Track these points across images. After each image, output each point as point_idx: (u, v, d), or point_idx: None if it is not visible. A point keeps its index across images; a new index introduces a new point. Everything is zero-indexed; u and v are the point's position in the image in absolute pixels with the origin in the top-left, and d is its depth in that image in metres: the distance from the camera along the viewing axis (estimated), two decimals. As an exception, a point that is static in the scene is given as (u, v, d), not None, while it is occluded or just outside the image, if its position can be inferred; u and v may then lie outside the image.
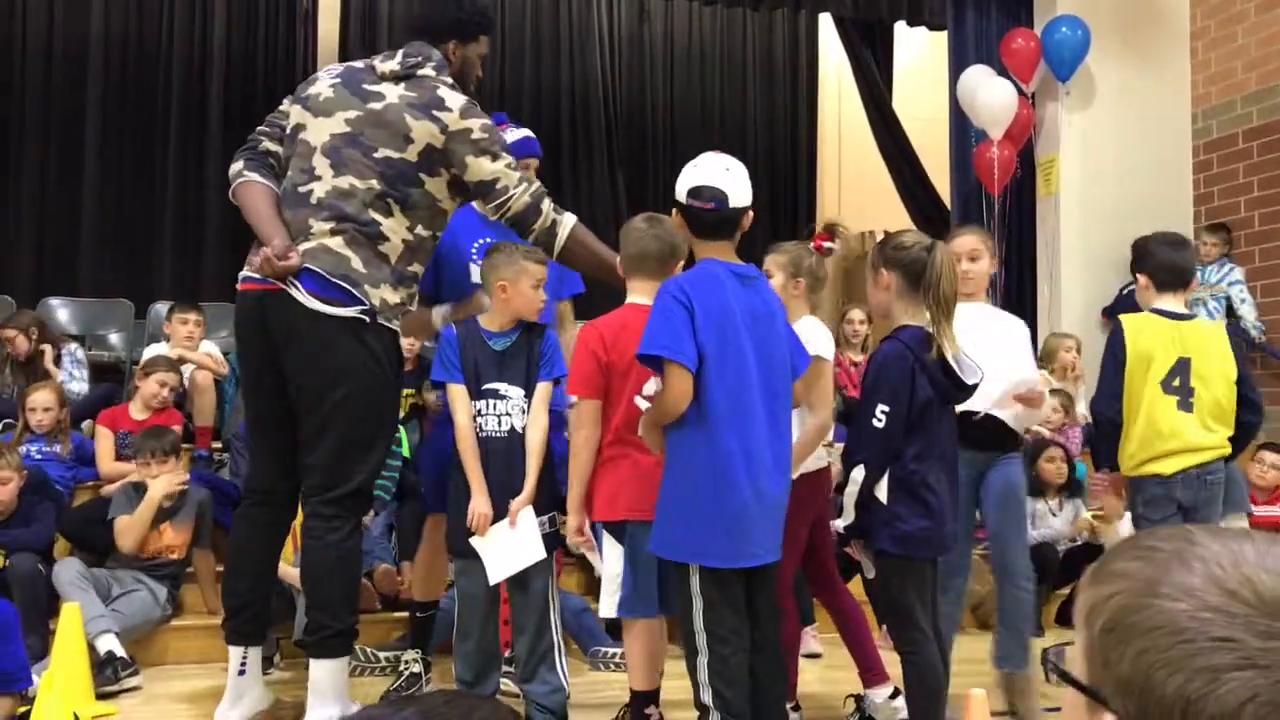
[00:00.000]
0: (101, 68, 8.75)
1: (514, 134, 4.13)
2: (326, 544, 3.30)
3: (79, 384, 6.00)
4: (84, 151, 8.68)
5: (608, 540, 3.13)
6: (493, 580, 3.40)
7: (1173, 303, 3.75)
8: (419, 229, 3.37)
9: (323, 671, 3.33)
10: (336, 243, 3.26)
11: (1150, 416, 3.66)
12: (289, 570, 4.24)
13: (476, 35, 3.61)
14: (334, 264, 3.24)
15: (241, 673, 3.49)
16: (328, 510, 3.30)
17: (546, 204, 3.46)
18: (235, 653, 3.50)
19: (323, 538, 3.30)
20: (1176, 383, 3.64)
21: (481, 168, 3.37)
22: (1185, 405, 3.64)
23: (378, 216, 3.30)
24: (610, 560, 3.13)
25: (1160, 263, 3.77)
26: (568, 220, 3.49)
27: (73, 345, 6.28)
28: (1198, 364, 3.65)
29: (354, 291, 3.24)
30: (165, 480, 4.50)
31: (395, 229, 3.32)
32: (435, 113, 3.34)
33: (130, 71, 8.86)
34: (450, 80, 3.45)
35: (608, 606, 3.12)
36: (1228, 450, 3.71)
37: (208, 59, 9.02)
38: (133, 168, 8.81)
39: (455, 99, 3.39)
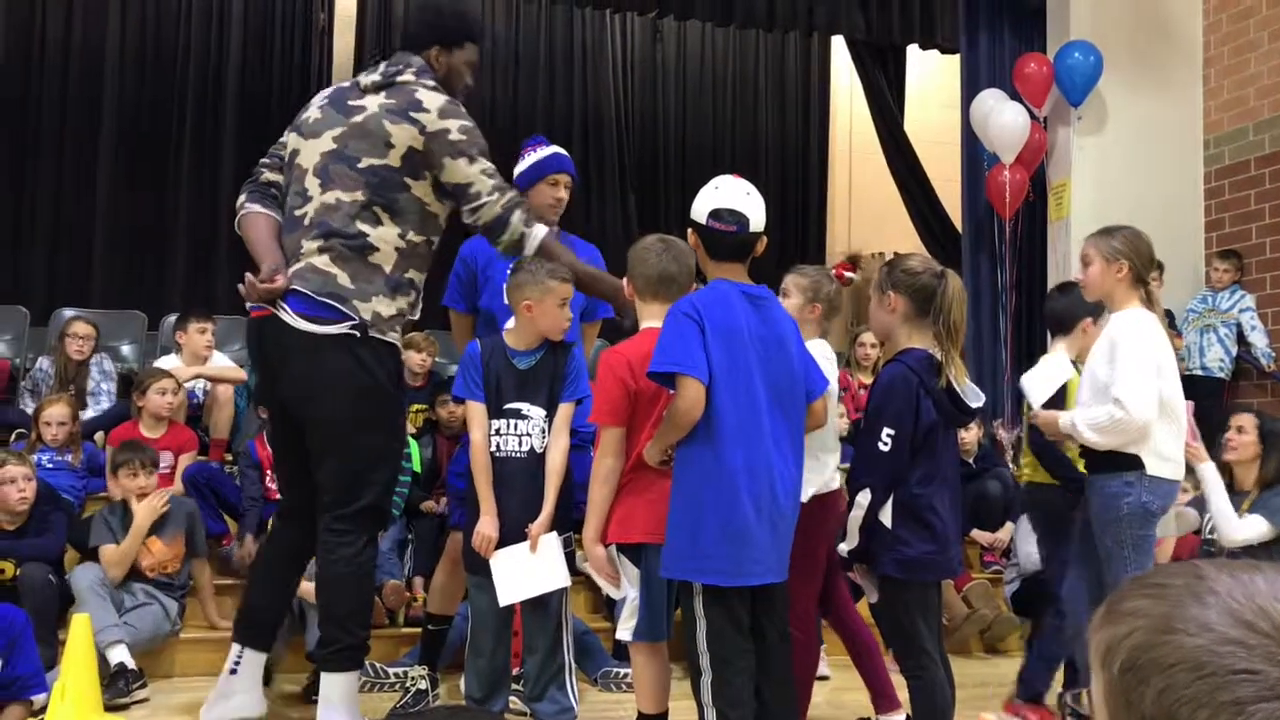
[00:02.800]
0: (117, 82, 8.82)
1: (544, 151, 4.15)
2: (339, 558, 3.30)
3: (105, 399, 6.04)
4: (98, 164, 8.73)
5: (623, 563, 3.09)
6: (503, 603, 3.38)
7: (1057, 345, 4.16)
8: (410, 234, 3.36)
9: (333, 685, 3.34)
10: (323, 261, 3.27)
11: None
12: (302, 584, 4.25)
13: (460, 41, 3.55)
14: (320, 283, 3.26)
15: (233, 671, 3.50)
16: (340, 525, 3.31)
17: (517, 216, 3.40)
18: (233, 650, 3.52)
19: (335, 552, 3.31)
20: None
21: (457, 170, 3.35)
22: None
23: (365, 228, 3.30)
24: (624, 583, 3.10)
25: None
26: (537, 232, 3.43)
27: (100, 355, 6.32)
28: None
29: (342, 308, 3.25)
30: (148, 509, 4.46)
31: (385, 237, 3.31)
32: (413, 114, 3.33)
33: (145, 85, 8.93)
34: (432, 83, 3.44)
35: (625, 630, 3.10)
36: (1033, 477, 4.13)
37: (223, 73, 9.09)
38: (146, 180, 8.87)
39: (434, 100, 3.37)
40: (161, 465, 4.86)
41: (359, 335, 3.24)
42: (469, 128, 3.37)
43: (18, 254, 8.54)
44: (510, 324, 3.73)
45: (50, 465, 5.09)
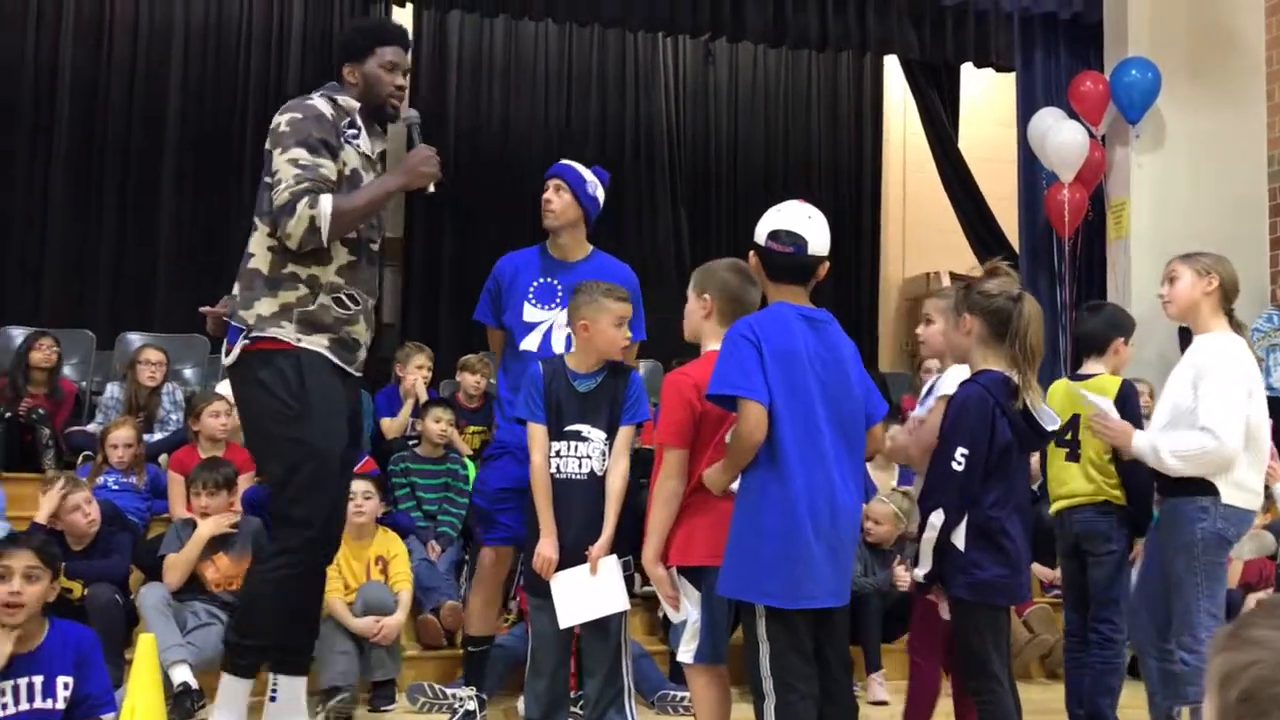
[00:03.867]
0: (179, 106, 8.99)
1: None
2: (254, 572, 3.48)
3: (173, 428, 6.12)
4: (160, 189, 8.89)
5: (683, 585, 3.06)
6: (562, 625, 3.37)
7: (1090, 366, 4.04)
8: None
9: (222, 684, 3.46)
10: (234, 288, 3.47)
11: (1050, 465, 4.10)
12: (333, 603, 4.33)
13: (368, 49, 3.55)
14: (230, 308, 3.45)
15: (273, 699, 3.54)
16: (269, 546, 3.46)
17: (304, 202, 3.28)
18: (269, 678, 3.56)
19: (255, 568, 3.49)
20: (1068, 436, 3.94)
21: (274, 160, 3.37)
22: (1073, 456, 3.97)
23: (249, 241, 3.46)
24: (685, 606, 3.08)
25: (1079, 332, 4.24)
26: (324, 207, 3.30)
27: (171, 385, 6.43)
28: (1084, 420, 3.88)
29: (236, 324, 3.38)
30: (213, 522, 4.53)
31: (258, 240, 3.42)
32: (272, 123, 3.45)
33: (206, 110, 9.10)
34: (318, 95, 3.51)
35: (686, 652, 3.09)
36: (1110, 495, 3.89)
37: (283, 99, 9.18)
38: (208, 206, 9.02)
39: (290, 103, 3.47)
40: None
41: (250, 344, 3.35)
42: (298, 120, 3.38)
43: (83, 278, 8.71)
44: (528, 343, 3.86)
45: (116, 487, 5.17)
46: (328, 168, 3.36)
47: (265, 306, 3.35)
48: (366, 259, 3.51)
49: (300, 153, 3.32)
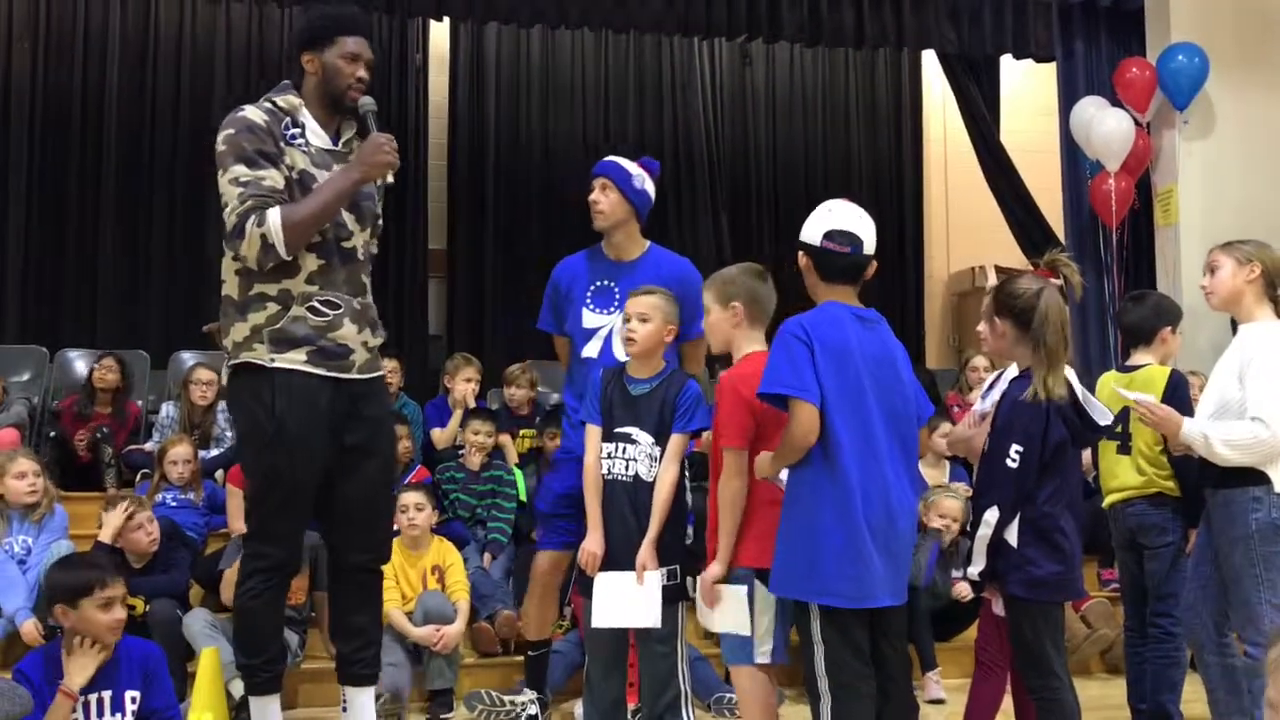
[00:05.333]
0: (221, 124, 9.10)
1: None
2: (237, 593, 3.42)
3: (226, 444, 6.22)
4: (206, 209, 8.93)
5: (759, 588, 3.02)
6: (594, 624, 3.39)
7: (1138, 357, 4.07)
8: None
9: (251, 707, 3.46)
10: None
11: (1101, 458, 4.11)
12: (393, 614, 4.37)
13: (329, 37, 3.38)
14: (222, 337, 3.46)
15: (344, 709, 3.57)
16: (243, 566, 3.42)
17: (251, 221, 3.20)
18: (341, 691, 3.58)
19: (238, 589, 3.43)
20: (1118, 429, 3.91)
21: (220, 182, 3.29)
22: (1124, 449, 4.00)
23: (222, 267, 3.40)
24: (761, 607, 3.04)
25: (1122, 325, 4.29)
26: (272, 222, 3.19)
27: (225, 402, 6.52)
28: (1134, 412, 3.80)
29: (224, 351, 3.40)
30: None
31: (226, 267, 3.36)
32: None
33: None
34: (266, 97, 3.40)
35: (762, 655, 3.06)
36: (1162, 487, 3.92)
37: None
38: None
39: (225, 119, 3.33)
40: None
41: (231, 369, 3.35)
42: (231, 135, 3.27)
43: (136, 297, 8.83)
44: (589, 350, 3.89)
45: (174, 504, 5.26)
46: (271, 178, 3.24)
47: (238, 332, 3.31)
48: (340, 259, 3.37)
49: (239, 170, 3.23)
